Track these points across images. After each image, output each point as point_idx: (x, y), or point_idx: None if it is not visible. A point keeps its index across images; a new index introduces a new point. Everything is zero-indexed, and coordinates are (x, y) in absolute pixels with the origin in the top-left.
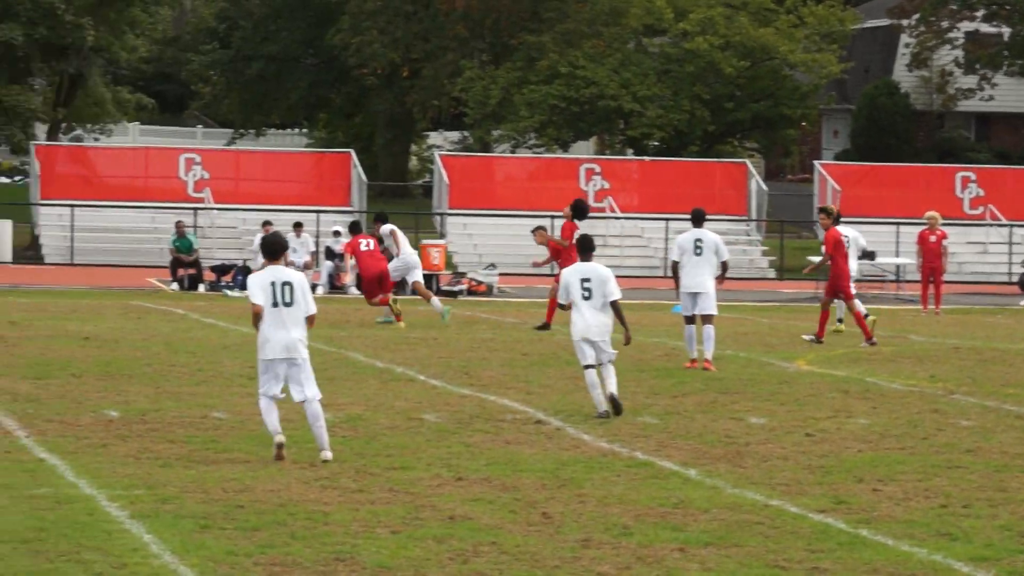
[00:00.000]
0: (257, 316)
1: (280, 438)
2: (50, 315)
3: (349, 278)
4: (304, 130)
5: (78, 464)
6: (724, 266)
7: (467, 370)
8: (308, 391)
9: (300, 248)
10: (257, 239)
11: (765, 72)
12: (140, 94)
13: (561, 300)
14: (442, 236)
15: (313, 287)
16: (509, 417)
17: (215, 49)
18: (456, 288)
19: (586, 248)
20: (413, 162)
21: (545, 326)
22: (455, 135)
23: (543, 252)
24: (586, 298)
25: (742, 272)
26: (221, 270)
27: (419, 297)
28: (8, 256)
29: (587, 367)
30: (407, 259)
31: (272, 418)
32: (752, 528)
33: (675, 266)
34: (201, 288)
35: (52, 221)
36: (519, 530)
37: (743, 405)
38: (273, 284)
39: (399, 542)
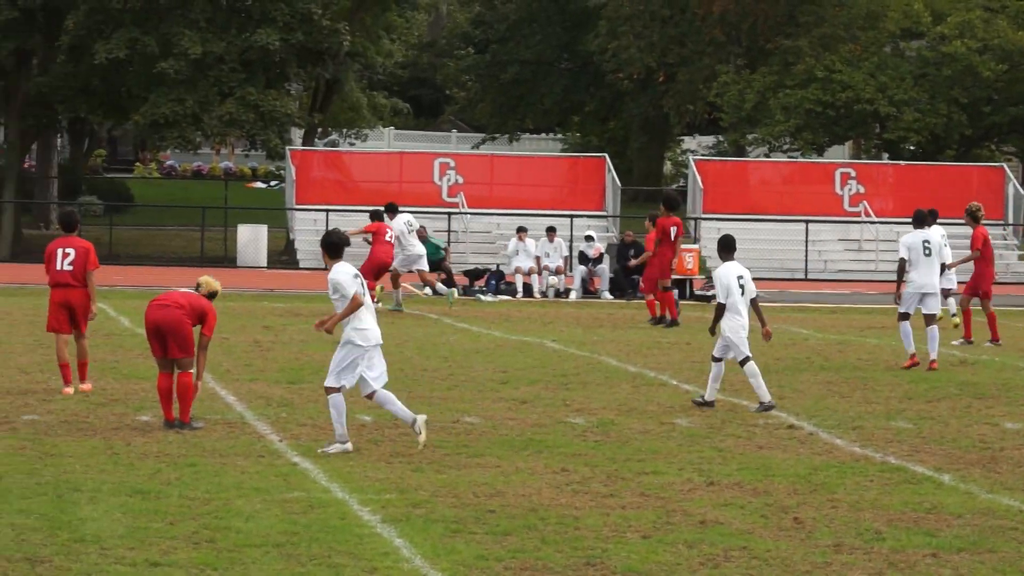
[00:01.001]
0: (359, 305)
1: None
2: (304, 319)
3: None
4: (558, 134)
5: (330, 468)
6: (943, 268)
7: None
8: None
9: (553, 253)
10: (512, 244)
11: None
12: (395, 99)
13: (721, 299)
14: (696, 241)
15: (567, 291)
16: (761, 422)
17: (470, 54)
18: (709, 293)
19: (730, 248)
20: (667, 166)
21: (664, 320)
22: (709, 139)
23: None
24: (741, 296)
25: (998, 277)
26: (474, 274)
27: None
28: (263, 261)
29: (721, 360)
30: (411, 251)
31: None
32: (1006, 534)
33: (902, 264)
34: (454, 293)
35: (307, 226)
36: (770, 535)
37: (998, 410)
38: (356, 277)
39: (649, 547)
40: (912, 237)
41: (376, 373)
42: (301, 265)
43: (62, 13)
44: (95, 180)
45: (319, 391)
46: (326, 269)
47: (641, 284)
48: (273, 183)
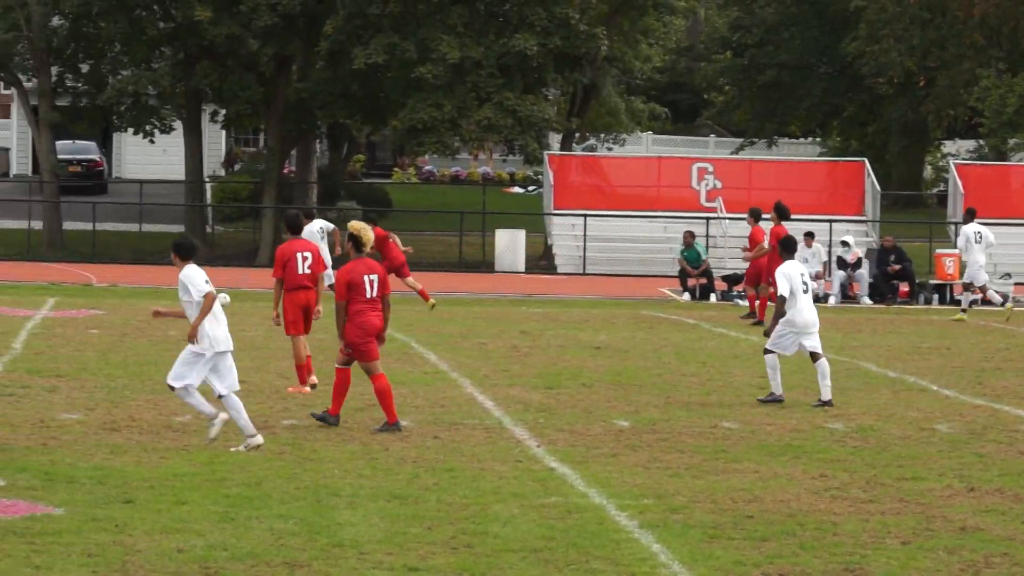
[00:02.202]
0: (213, 300)
1: None
2: (561, 325)
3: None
4: (817, 139)
5: (588, 473)
6: None
7: (980, 380)
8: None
9: (811, 258)
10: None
11: None
12: (653, 104)
13: (784, 292)
14: (955, 246)
15: (825, 297)
16: (1023, 427)
17: (727, 58)
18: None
19: (791, 248)
20: (927, 171)
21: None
22: (970, 143)
23: None
24: (804, 292)
25: None
26: (733, 279)
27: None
28: (521, 266)
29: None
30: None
31: None
32: None
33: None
34: (712, 298)
35: (564, 231)
36: None
37: None
38: (208, 282)
39: (909, 553)
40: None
41: (226, 380)
42: (559, 270)
43: (321, 19)
44: (354, 185)
45: (577, 396)
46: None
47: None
48: (531, 188)
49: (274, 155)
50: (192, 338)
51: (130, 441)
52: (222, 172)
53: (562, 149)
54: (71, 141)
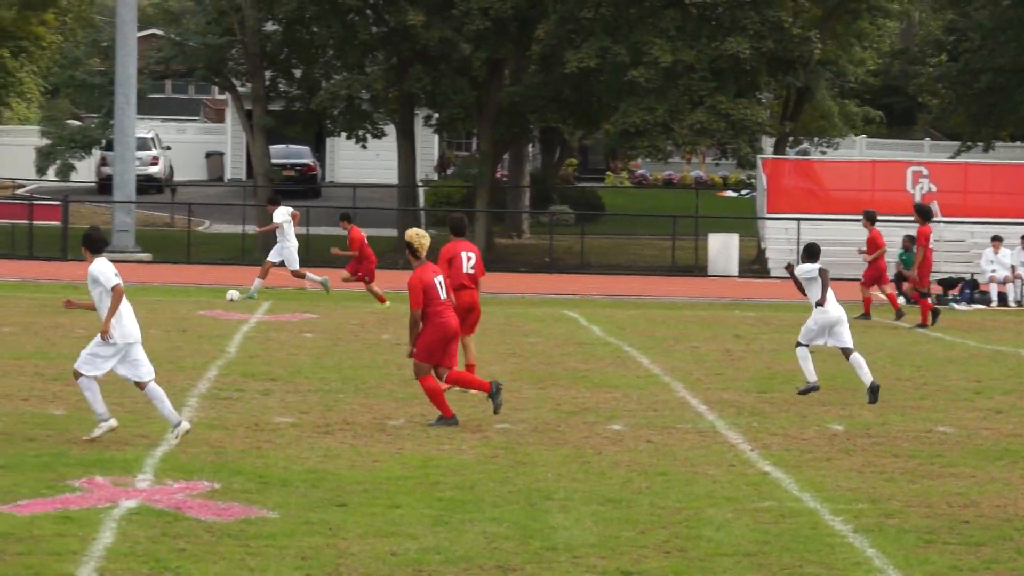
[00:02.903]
0: (121, 294)
1: None
2: (774, 328)
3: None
4: None
5: (802, 478)
6: None
7: None
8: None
9: (997, 262)
10: (986, 253)
11: None
12: (867, 107)
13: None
14: None
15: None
16: None
17: (943, 62)
18: None
19: (813, 255)
20: None
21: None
22: None
23: None
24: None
25: None
26: (948, 283)
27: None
28: (734, 270)
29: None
30: (290, 244)
31: None
32: None
33: None
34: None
35: (778, 235)
36: None
37: None
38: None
39: None
40: None
41: (139, 371)
42: (772, 274)
43: (533, 23)
44: (567, 189)
45: (791, 400)
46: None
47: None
48: (744, 192)
49: (486, 159)
50: (105, 333)
51: (343, 444)
52: (435, 176)
53: (775, 153)
54: (285, 146)
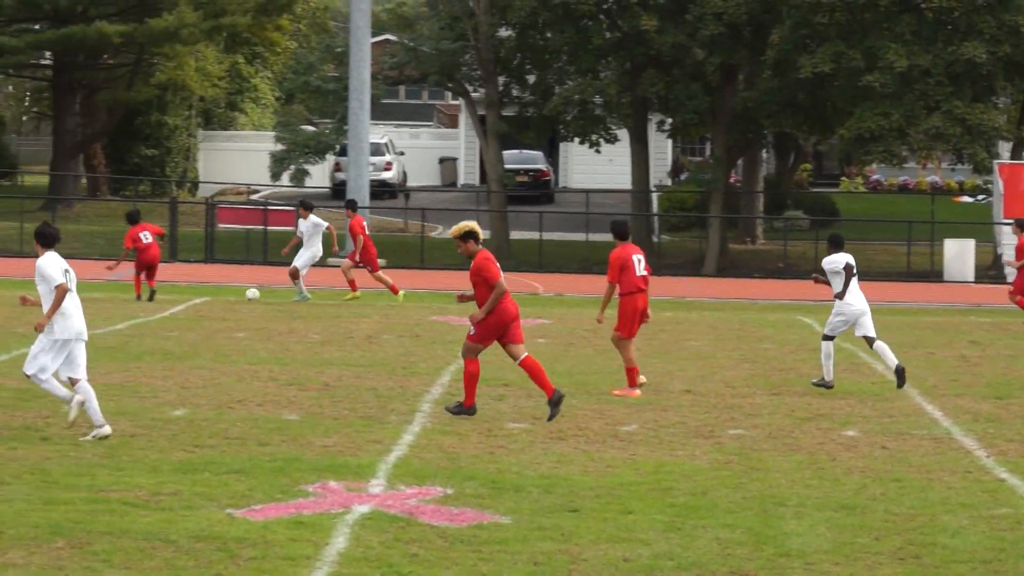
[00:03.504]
0: (64, 293)
1: None
2: (1011, 335)
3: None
4: None
5: None
6: None
7: None
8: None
9: None
10: None
11: None
12: None
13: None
14: None
15: None
16: None
17: None
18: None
19: (838, 244)
20: None
21: None
22: None
23: None
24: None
25: None
26: None
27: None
28: (970, 275)
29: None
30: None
31: None
32: None
33: None
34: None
35: (1015, 240)
36: None
37: None
38: (67, 271)
39: None
40: None
41: (76, 370)
42: (1009, 280)
43: (767, 28)
44: (801, 195)
45: None
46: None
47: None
48: (980, 197)
49: (720, 164)
50: (40, 327)
51: (576, 450)
52: (668, 181)
53: (1012, 158)
54: (518, 151)
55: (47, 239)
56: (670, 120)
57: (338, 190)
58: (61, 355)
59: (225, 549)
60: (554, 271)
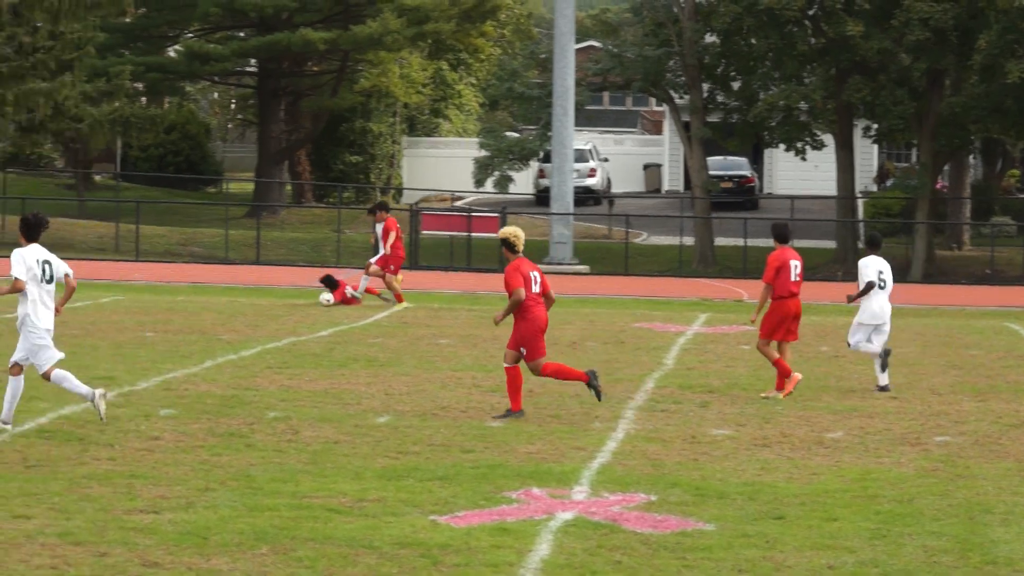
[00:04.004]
0: (19, 289)
1: None
2: None
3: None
4: None
5: None
6: None
7: None
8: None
9: None
10: None
11: None
12: None
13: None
14: None
15: None
16: None
17: None
18: None
19: (875, 244)
20: None
21: None
22: None
23: None
24: (882, 287)
25: None
26: None
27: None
28: None
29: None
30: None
31: None
32: None
33: None
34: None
35: None
36: None
37: None
38: (44, 263)
39: None
40: None
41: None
42: None
43: (974, 33)
44: (1008, 200)
45: None
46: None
47: None
48: None
49: (926, 170)
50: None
51: (781, 457)
52: (874, 187)
53: None
54: (722, 157)
55: (31, 230)
56: (876, 126)
57: (542, 196)
58: (51, 342)
59: (428, 556)
60: (758, 277)
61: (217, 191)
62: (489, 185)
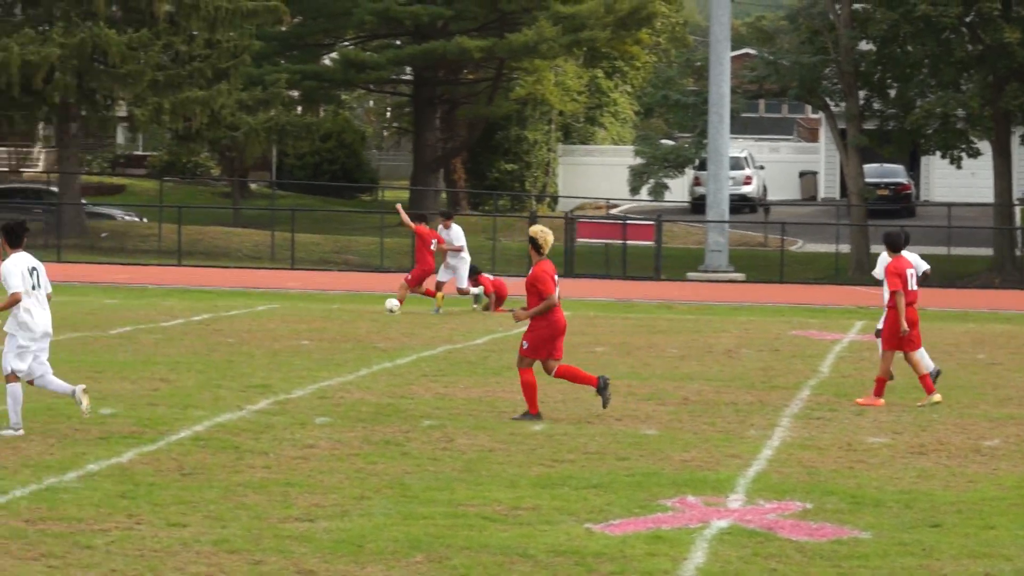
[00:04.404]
0: (15, 302)
1: None
2: None
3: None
4: None
5: None
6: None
7: None
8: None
9: None
10: None
11: None
12: None
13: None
14: None
15: None
16: None
17: None
18: None
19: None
20: None
21: None
22: None
23: None
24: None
25: None
26: None
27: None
28: None
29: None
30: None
31: None
32: None
33: None
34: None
35: None
36: None
37: None
38: (33, 270)
39: None
40: None
41: (40, 363)
42: None
43: None
44: None
45: None
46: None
47: None
48: None
49: None
50: None
51: (938, 465)
52: None
53: None
54: (878, 164)
55: (15, 237)
56: None
57: (697, 204)
58: (31, 355)
59: (583, 564)
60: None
61: (372, 199)
62: (644, 193)
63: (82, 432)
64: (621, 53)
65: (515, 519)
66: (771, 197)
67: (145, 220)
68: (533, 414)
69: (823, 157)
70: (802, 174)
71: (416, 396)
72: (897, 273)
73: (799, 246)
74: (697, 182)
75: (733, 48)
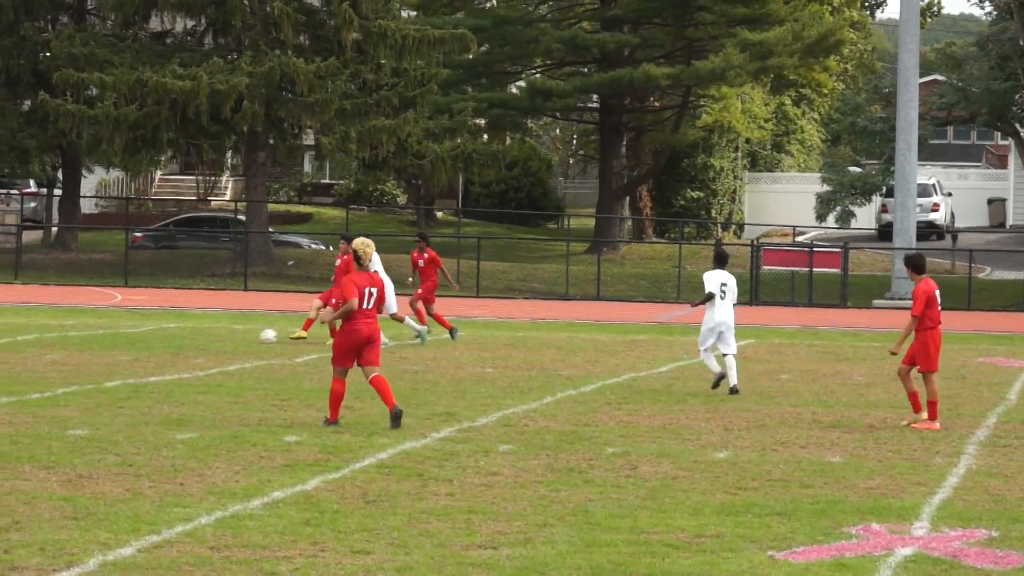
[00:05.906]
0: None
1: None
2: None
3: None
4: None
5: None
6: None
7: None
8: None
9: None
10: None
11: None
12: None
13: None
14: None
15: None
16: None
17: None
18: None
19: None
20: None
21: None
22: None
23: None
24: (722, 297)
25: None
26: None
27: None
28: None
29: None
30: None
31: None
32: None
33: None
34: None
35: None
36: None
37: None
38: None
39: None
40: None
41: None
42: None
43: None
44: None
45: None
46: None
47: None
48: None
49: None
50: None
51: None
52: None
53: None
54: None
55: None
56: None
57: (884, 231)
58: None
59: None
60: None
61: (557, 227)
62: (831, 220)
63: (267, 459)
64: (808, 80)
65: (698, 547)
66: (959, 224)
67: (331, 248)
68: (331, 421)
69: (1012, 184)
70: (990, 201)
71: (600, 424)
72: (927, 296)
73: (987, 273)
74: (884, 209)
75: (922, 74)
